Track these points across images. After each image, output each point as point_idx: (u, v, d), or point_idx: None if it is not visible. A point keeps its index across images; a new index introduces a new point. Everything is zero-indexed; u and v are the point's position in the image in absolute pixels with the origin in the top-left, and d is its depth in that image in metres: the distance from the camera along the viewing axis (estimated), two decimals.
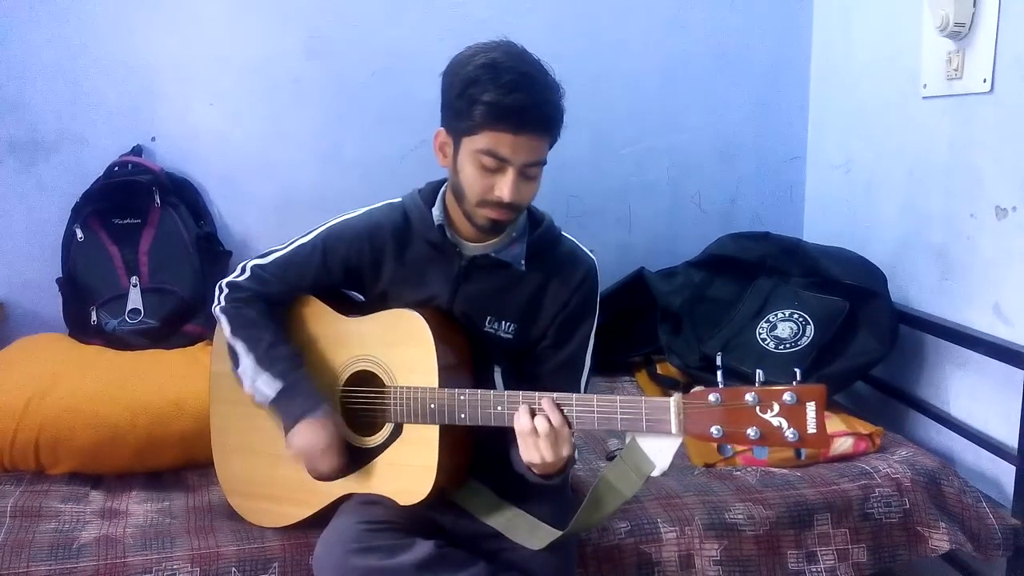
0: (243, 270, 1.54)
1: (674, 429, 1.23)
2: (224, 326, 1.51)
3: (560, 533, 1.38)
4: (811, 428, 1.14)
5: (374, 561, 1.30)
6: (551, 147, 1.39)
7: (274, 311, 1.54)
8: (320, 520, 1.46)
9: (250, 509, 1.59)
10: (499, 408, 1.35)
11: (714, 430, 1.19)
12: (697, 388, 1.23)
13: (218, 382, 1.64)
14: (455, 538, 1.43)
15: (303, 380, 1.47)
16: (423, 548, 1.33)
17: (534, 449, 1.30)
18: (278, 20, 2.31)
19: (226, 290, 1.54)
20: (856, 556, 1.72)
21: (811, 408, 1.14)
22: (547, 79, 1.35)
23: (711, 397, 1.19)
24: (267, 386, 1.45)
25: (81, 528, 1.57)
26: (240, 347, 1.49)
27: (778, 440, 1.16)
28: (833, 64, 2.54)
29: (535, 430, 1.29)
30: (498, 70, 1.30)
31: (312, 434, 1.42)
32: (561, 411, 1.30)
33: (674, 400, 1.23)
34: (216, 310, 1.54)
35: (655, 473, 1.28)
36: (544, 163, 1.38)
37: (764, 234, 2.34)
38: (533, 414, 1.30)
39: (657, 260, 2.46)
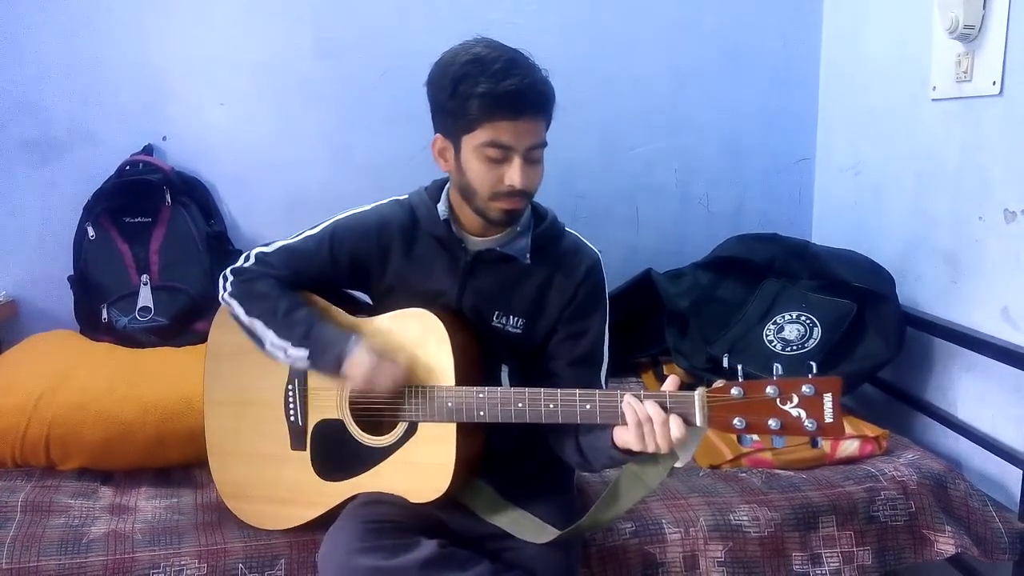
0: (247, 258, 1.52)
1: (699, 421, 1.26)
2: (237, 310, 1.48)
3: (571, 528, 1.39)
4: (828, 418, 1.20)
5: (378, 561, 1.30)
6: (547, 128, 1.40)
7: (285, 285, 1.50)
8: (328, 519, 1.46)
9: (252, 512, 1.57)
10: (519, 405, 1.36)
11: (737, 421, 1.23)
12: (719, 382, 1.26)
13: (212, 383, 1.61)
14: (459, 537, 1.43)
15: (325, 331, 1.43)
16: (427, 548, 1.33)
17: (651, 437, 1.26)
18: (288, 21, 2.32)
19: (231, 276, 1.51)
20: (861, 559, 1.71)
21: (828, 399, 1.19)
22: (531, 61, 1.37)
23: (734, 391, 1.23)
24: (297, 354, 1.42)
25: (90, 524, 1.58)
26: (259, 325, 1.45)
27: (798, 430, 1.21)
28: (842, 66, 2.53)
29: (650, 419, 1.26)
30: (484, 61, 1.32)
31: (359, 366, 1.38)
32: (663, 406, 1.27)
33: (699, 393, 1.26)
34: (224, 297, 1.51)
35: (678, 464, 1.31)
36: (545, 145, 1.40)
37: (772, 236, 2.34)
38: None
39: (665, 261, 2.46)
